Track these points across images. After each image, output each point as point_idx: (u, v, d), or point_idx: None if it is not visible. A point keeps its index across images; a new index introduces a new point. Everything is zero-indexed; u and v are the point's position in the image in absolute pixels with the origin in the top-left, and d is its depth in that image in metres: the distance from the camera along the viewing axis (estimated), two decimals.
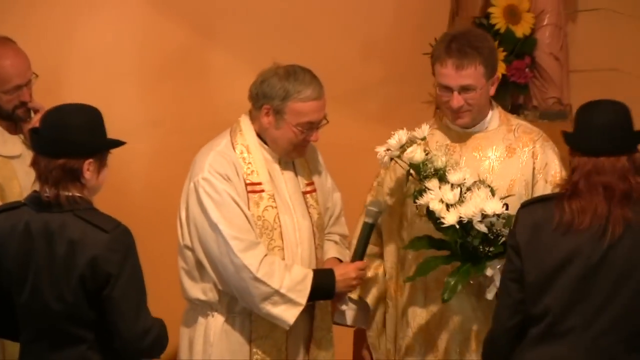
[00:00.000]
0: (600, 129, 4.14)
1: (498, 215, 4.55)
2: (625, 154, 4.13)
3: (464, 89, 4.63)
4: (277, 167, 4.82)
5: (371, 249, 4.92)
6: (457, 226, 4.52)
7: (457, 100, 4.64)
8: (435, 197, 4.56)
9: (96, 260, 4.08)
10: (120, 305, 4.15)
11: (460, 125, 4.65)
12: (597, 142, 4.14)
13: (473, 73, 4.61)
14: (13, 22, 5.57)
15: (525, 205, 4.22)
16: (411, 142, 4.65)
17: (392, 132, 4.74)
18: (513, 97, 5.73)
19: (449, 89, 4.66)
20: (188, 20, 5.98)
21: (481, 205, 4.54)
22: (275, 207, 4.77)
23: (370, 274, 4.89)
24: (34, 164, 4.22)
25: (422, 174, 4.65)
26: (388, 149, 4.66)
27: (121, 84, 5.80)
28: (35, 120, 5.04)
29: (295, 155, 4.82)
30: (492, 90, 4.76)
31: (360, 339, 5.08)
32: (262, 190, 4.76)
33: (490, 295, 4.69)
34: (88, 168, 4.14)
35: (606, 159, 4.08)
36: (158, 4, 5.96)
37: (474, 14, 5.79)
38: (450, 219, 4.51)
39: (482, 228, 4.53)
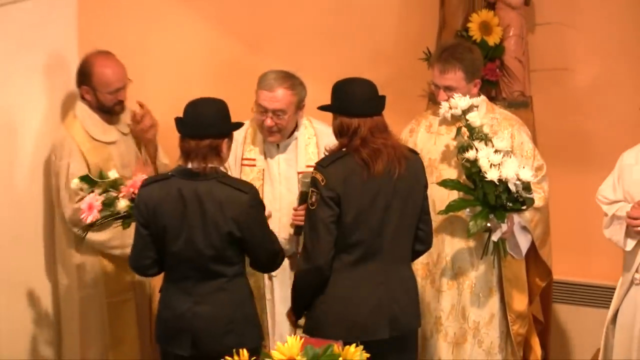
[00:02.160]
0: (368, 97, 4.63)
1: (523, 182, 4.89)
2: (381, 113, 4.66)
3: (447, 88, 5.10)
4: (274, 149, 5.19)
5: None
6: (496, 182, 4.86)
7: (441, 95, 5.12)
8: (484, 155, 4.88)
9: (242, 214, 4.52)
10: (262, 243, 4.61)
11: None
12: (372, 105, 4.63)
13: (453, 77, 5.08)
14: (111, 39, 5.70)
15: (326, 166, 4.58)
16: (470, 107, 5.01)
17: (456, 96, 5.00)
18: (487, 91, 5.88)
19: (438, 87, 5.14)
20: (239, 36, 6.26)
21: (518, 171, 4.88)
22: (261, 179, 5.16)
23: None
24: (182, 144, 4.57)
25: (474, 135, 4.97)
26: (451, 107, 5.01)
27: (188, 86, 5.89)
28: (136, 115, 5.43)
29: (264, 136, 5.16)
30: (475, 90, 5.16)
31: None
32: (254, 165, 5.18)
33: (495, 237, 5.04)
34: (225, 146, 4.58)
35: (377, 117, 4.62)
36: (216, 23, 6.21)
37: (457, 28, 6.06)
38: (492, 175, 4.87)
39: (513, 188, 4.88)
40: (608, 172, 5.12)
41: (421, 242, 4.83)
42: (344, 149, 4.61)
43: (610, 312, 5.09)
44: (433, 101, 5.63)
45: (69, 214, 5.30)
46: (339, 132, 4.63)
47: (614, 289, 5.12)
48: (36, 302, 5.54)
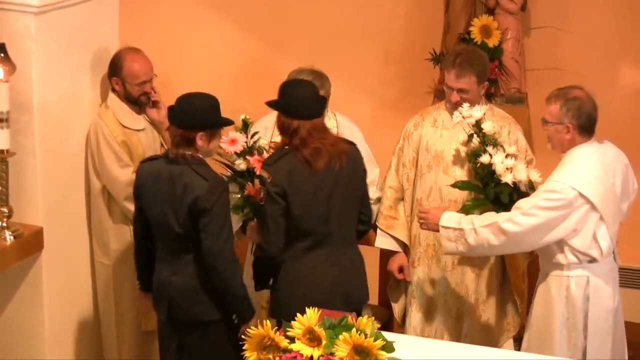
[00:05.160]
0: (309, 101, 4.73)
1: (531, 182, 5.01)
2: (320, 116, 4.75)
3: (460, 90, 5.20)
4: None
5: (394, 193, 5.40)
6: (511, 184, 4.98)
7: (454, 96, 5.22)
8: (499, 161, 4.98)
9: (198, 199, 4.63)
10: (208, 228, 4.66)
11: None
12: (312, 109, 4.72)
13: (467, 81, 5.18)
14: (149, 40, 5.86)
15: (271, 164, 4.70)
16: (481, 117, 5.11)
17: (465, 105, 5.04)
18: (487, 88, 5.59)
19: (451, 89, 5.23)
20: (262, 37, 6.55)
21: (529, 173, 4.99)
22: None
23: (401, 214, 5.40)
24: (169, 130, 4.70)
25: (486, 141, 5.06)
26: (464, 117, 5.07)
27: (215, 81, 6.10)
28: (159, 113, 5.49)
29: None
30: (482, 91, 5.30)
31: (385, 258, 5.63)
32: None
33: None
34: (200, 138, 4.65)
35: (317, 119, 4.72)
36: (242, 26, 6.48)
37: (460, 31, 6.27)
38: (507, 178, 4.98)
39: (524, 188, 4.99)
40: None
41: (363, 223, 4.98)
42: (286, 147, 4.74)
43: None
44: (439, 97, 5.89)
45: (124, 177, 5.38)
46: (280, 130, 4.75)
47: None
48: (78, 274, 5.65)
